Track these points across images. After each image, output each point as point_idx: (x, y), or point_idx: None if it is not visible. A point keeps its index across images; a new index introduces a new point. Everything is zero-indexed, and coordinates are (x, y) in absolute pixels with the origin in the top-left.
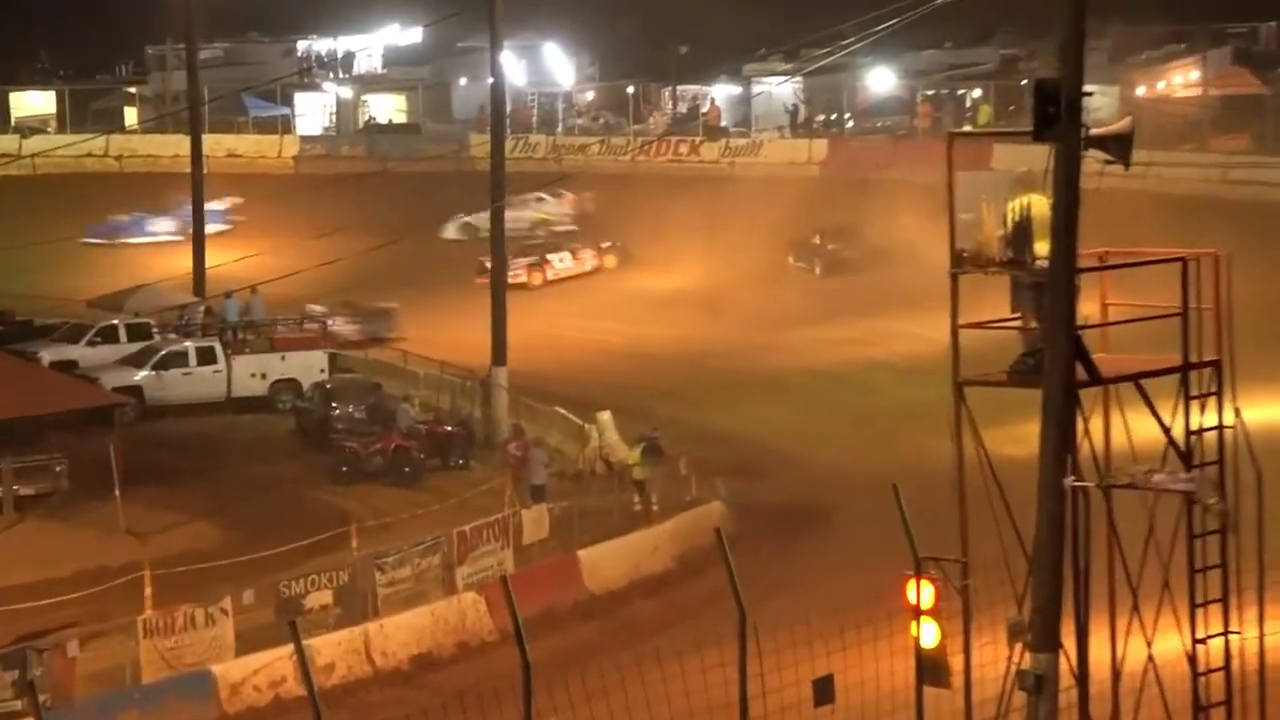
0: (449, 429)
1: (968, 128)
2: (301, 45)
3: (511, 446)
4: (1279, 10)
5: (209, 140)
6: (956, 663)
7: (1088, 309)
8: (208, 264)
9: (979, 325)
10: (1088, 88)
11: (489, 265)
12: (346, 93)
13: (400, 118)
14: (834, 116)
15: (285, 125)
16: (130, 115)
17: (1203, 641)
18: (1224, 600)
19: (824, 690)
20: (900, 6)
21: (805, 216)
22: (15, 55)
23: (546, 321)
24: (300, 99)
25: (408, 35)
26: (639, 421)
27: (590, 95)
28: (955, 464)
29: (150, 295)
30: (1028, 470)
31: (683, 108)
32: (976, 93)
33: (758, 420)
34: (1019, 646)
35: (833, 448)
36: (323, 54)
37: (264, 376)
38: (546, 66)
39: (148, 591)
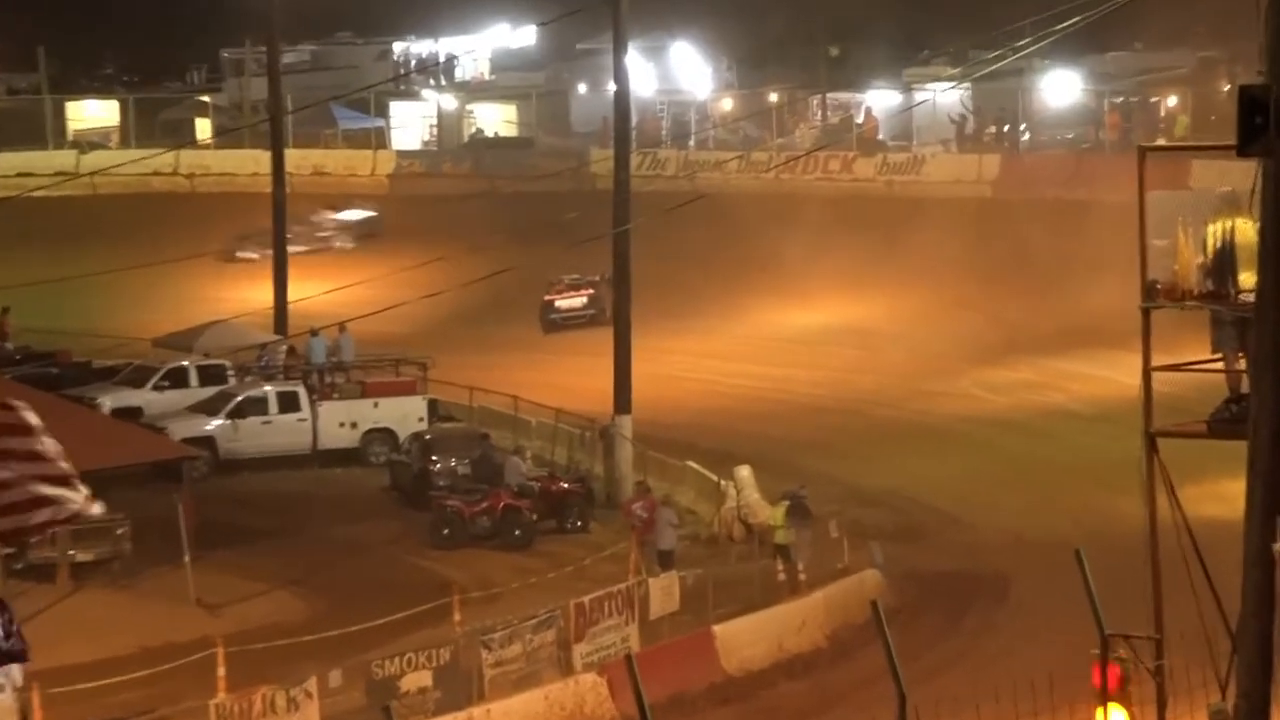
0: (565, 486)
1: (1161, 141)
2: (398, 48)
3: (637, 506)
4: None
5: (292, 156)
6: None
7: None
8: (290, 297)
9: (1174, 367)
10: None
11: (557, 303)
12: (449, 102)
13: (510, 130)
14: (1007, 128)
15: (379, 139)
16: (203, 128)
17: None
18: None
19: None
20: (1084, 3)
21: (976, 241)
22: (74, 59)
23: (674, 363)
24: (396, 109)
25: (519, 36)
26: (783, 478)
27: (728, 104)
28: (1147, 526)
29: (224, 333)
30: (1231, 533)
31: (834, 118)
32: (1172, 100)
33: (919, 476)
34: None
35: (1005, 508)
36: (422, 57)
37: (354, 426)
38: (678, 71)
39: (221, 671)
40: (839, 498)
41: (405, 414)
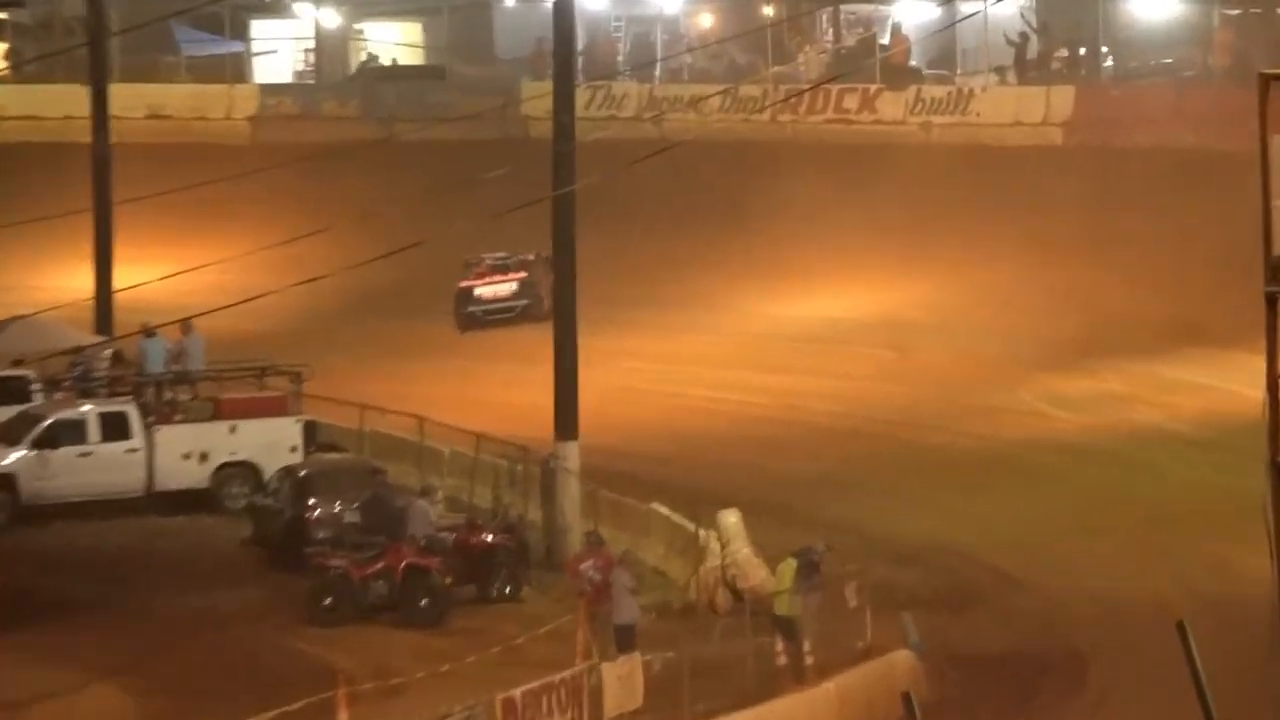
0: (489, 539)
1: None
2: None
3: (586, 566)
4: None
5: (120, 93)
6: None
7: None
8: (117, 284)
9: None
10: None
11: (478, 291)
12: (331, 19)
13: (414, 58)
14: (1084, 52)
15: (237, 69)
16: None
17: None
18: None
19: None
20: None
21: (1043, 204)
22: None
23: (635, 372)
24: (260, 29)
25: None
26: (785, 527)
27: (707, 21)
28: (1274, 588)
29: (27, 333)
30: None
31: (850, 39)
32: None
33: (969, 521)
34: None
35: (1084, 564)
36: None
37: (204, 458)
38: None
39: None
40: (860, 552)
41: (273, 442)
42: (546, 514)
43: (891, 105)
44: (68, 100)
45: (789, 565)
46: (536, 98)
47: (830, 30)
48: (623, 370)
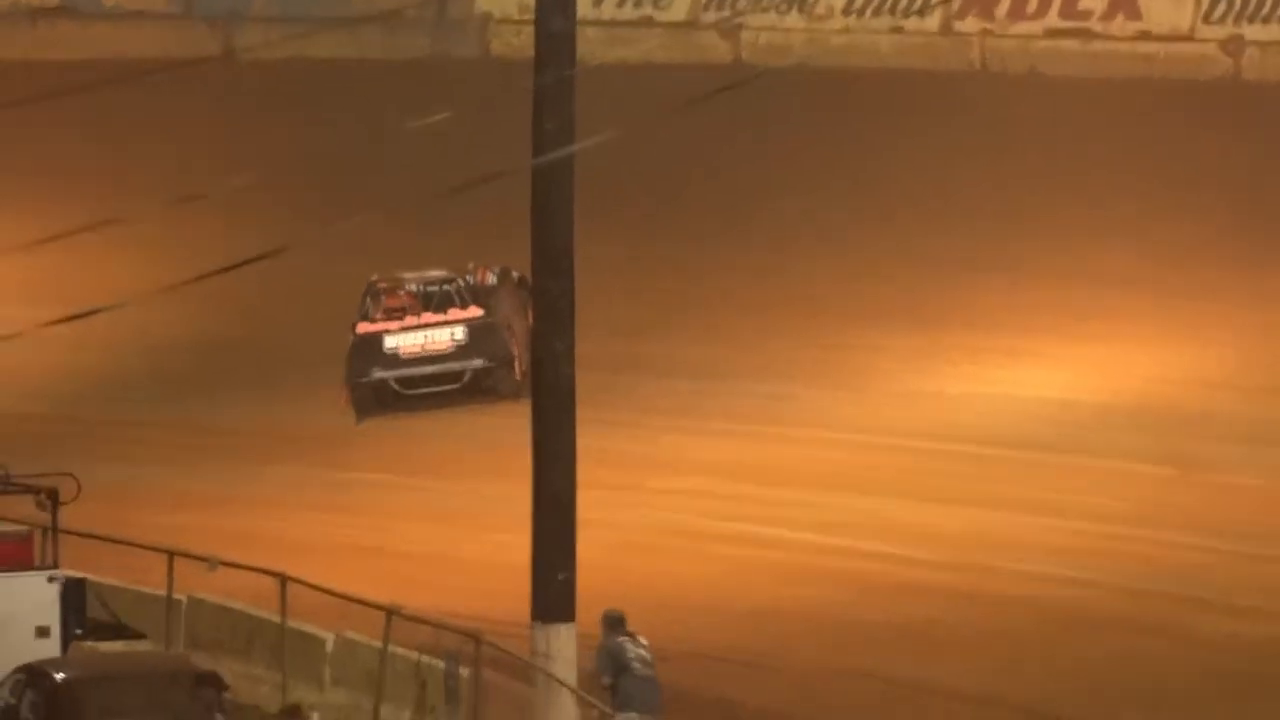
0: None
1: None
2: None
3: None
4: None
5: None
6: None
7: None
8: None
9: None
10: None
11: (390, 344)
12: None
13: None
14: None
15: None
16: None
17: None
18: None
19: None
20: None
21: None
22: None
23: (677, 498)
24: None
25: None
26: None
27: None
28: None
29: None
30: None
31: None
32: None
33: None
34: None
35: None
36: None
37: None
38: None
39: None
40: None
41: (4, 616)
42: None
43: (1169, 5)
44: None
45: None
46: None
47: None
48: (659, 495)
